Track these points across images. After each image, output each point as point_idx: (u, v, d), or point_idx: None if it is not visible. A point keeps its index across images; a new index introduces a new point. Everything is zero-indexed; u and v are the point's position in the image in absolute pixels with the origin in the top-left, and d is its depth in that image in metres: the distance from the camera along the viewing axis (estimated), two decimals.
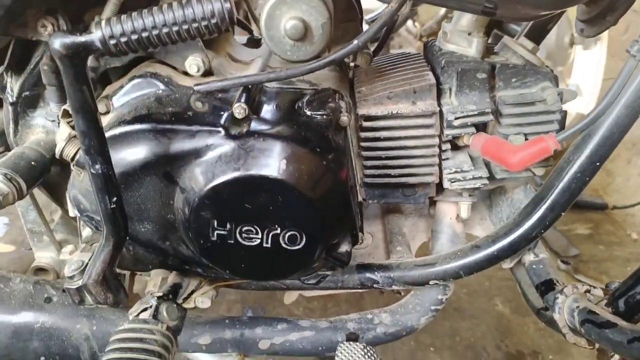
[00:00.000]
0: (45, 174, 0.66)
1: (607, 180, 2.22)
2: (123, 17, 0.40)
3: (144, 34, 0.40)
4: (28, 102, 0.66)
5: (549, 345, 1.44)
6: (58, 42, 0.39)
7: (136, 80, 0.61)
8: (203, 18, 0.40)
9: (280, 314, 1.19)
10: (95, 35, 0.40)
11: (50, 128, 0.67)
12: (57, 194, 0.76)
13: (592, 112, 0.58)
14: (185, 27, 0.41)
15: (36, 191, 0.75)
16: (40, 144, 0.66)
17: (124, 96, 0.61)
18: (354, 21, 0.73)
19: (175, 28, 0.41)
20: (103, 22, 0.40)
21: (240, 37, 0.83)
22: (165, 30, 0.40)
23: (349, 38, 0.75)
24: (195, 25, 0.41)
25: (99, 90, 0.68)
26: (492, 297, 1.62)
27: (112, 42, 0.40)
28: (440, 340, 1.43)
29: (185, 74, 0.63)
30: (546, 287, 0.67)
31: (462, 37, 0.67)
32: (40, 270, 0.77)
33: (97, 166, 0.47)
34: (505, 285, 1.63)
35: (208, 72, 0.64)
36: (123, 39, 0.40)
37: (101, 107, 0.62)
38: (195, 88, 0.59)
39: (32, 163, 0.63)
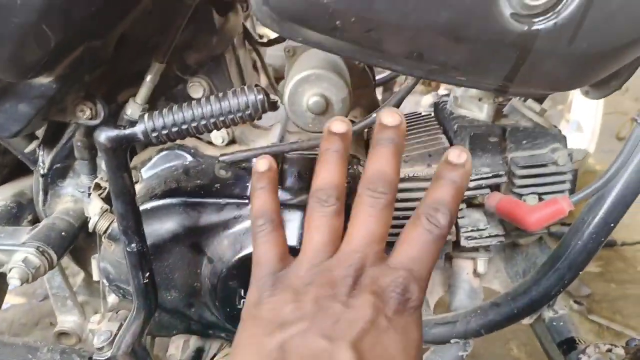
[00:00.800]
0: (74, 242, 0.67)
1: None
2: (164, 111, 0.43)
3: (184, 127, 0.43)
4: (58, 174, 0.69)
5: None
6: (103, 136, 0.42)
7: (164, 153, 0.64)
8: (238, 110, 0.43)
9: None
10: (138, 128, 0.43)
11: (79, 197, 0.69)
12: (81, 258, 0.78)
13: (605, 175, 0.60)
14: (221, 118, 0.43)
15: None
16: (69, 213, 0.68)
17: (153, 168, 0.64)
18: (368, 87, 0.76)
19: (212, 120, 0.43)
20: (146, 117, 0.43)
21: None
22: (203, 122, 0.43)
23: (363, 102, 0.79)
24: (231, 116, 0.44)
25: None
26: (507, 342, 1.60)
27: (154, 134, 0.43)
28: None
29: (210, 143, 0.67)
30: (568, 345, 0.68)
31: (472, 103, 0.70)
32: (62, 334, 0.77)
33: (133, 245, 0.49)
34: (520, 329, 1.61)
35: (231, 141, 0.67)
36: (164, 132, 0.43)
37: None
38: (221, 159, 0.62)
39: (63, 234, 0.64)
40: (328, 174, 0.40)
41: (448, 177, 0.39)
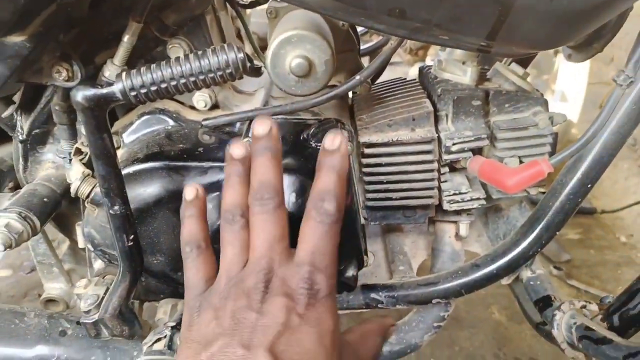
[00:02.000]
0: (57, 209, 0.67)
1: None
2: (142, 69, 0.42)
3: (163, 85, 0.42)
4: (38, 139, 0.67)
5: (546, 351, 1.47)
6: (80, 95, 0.41)
7: (145, 117, 0.63)
8: (218, 68, 0.43)
9: None
10: (116, 87, 0.42)
11: (60, 163, 0.68)
12: (66, 226, 0.78)
13: (583, 137, 0.61)
14: (201, 77, 0.43)
15: None
16: (50, 179, 0.67)
17: (134, 133, 0.63)
18: (352, 51, 0.76)
19: (192, 79, 0.43)
20: (124, 75, 0.42)
21: None
22: (182, 81, 0.43)
23: (348, 67, 0.78)
24: (211, 75, 0.43)
25: None
26: (489, 306, 1.65)
27: (133, 93, 0.42)
28: (439, 350, 1.45)
29: (193, 107, 0.66)
30: (544, 303, 0.70)
31: (456, 66, 0.70)
32: (50, 301, 0.78)
33: (116, 207, 0.49)
34: (501, 293, 1.67)
35: (214, 106, 0.67)
36: (143, 90, 0.42)
37: None
38: (204, 123, 0.61)
39: (45, 200, 0.64)
40: (232, 195, 0.45)
41: (327, 164, 0.43)
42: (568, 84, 2.36)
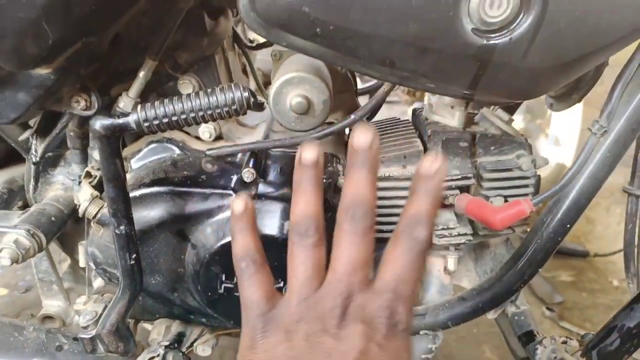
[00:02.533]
0: (63, 228, 0.70)
1: (588, 228, 2.30)
2: (156, 103, 0.47)
3: (174, 118, 0.47)
4: (50, 162, 0.72)
5: None
6: (98, 124, 0.46)
7: (153, 145, 0.68)
8: (225, 105, 0.47)
9: None
10: (131, 118, 0.46)
11: (69, 185, 0.72)
12: (68, 245, 0.81)
13: (561, 180, 0.65)
14: (209, 112, 0.47)
15: None
16: (59, 200, 0.71)
17: (142, 159, 0.67)
18: (349, 91, 0.81)
19: (200, 113, 0.47)
20: (139, 107, 0.47)
21: None
22: (192, 115, 0.47)
23: (345, 106, 0.84)
24: (217, 110, 0.48)
25: None
26: (480, 344, 1.65)
27: (146, 124, 0.46)
28: None
29: (198, 138, 0.70)
30: (527, 337, 0.72)
31: (445, 110, 0.75)
32: (47, 317, 0.80)
33: (122, 227, 0.53)
34: (492, 332, 1.67)
35: (218, 137, 0.71)
36: (155, 122, 0.47)
37: None
38: (208, 153, 0.66)
39: (52, 219, 0.67)
40: (304, 205, 0.40)
41: (424, 190, 0.39)
42: (561, 128, 2.42)
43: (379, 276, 0.39)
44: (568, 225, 0.66)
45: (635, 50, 0.58)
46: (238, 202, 0.43)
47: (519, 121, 2.13)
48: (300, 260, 0.40)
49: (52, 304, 0.80)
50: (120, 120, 0.46)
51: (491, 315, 0.79)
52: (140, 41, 0.61)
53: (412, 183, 0.40)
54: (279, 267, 0.61)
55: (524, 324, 0.75)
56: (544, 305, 1.87)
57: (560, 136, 2.47)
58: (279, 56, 0.72)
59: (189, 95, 0.47)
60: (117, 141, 0.47)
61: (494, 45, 0.45)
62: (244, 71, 0.97)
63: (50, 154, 0.71)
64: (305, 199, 0.41)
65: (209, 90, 0.48)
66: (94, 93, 0.57)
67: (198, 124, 0.49)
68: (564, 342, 0.67)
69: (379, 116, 0.95)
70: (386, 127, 0.83)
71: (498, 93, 0.52)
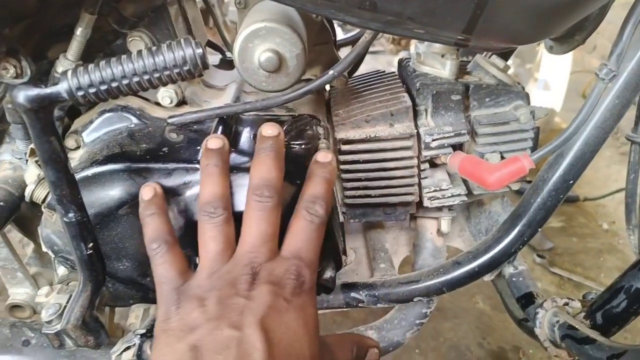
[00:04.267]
0: (15, 212, 0.63)
1: None
2: (90, 66, 0.39)
3: (114, 84, 0.39)
4: None
5: (529, 340, 1.48)
6: (22, 96, 0.38)
7: (106, 115, 0.59)
8: (175, 65, 0.39)
9: None
10: (61, 86, 0.38)
11: (18, 164, 0.64)
12: (29, 228, 0.74)
13: (564, 132, 0.59)
14: (156, 75, 0.39)
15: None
16: (8, 181, 0.63)
17: (95, 131, 0.59)
18: (328, 43, 0.72)
19: (146, 77, 0.39)
20: (69, 73, 0.38)
21: (212, 56, 0.81)
22: (135, 79, 0.39)
23: (323, 60, 0.75)
24: (167, 72, 0.40)
25: (66, 122, 0.66)
26: (472, 296, 1.66)
27: (80, 93, 0.38)
28: (424, 342, 1.45)
29: (158, 104, 0.62)
30: (526, 300, 0.69)
31: (435, 59, 0.67)
32: (15, 307, 0.74)
33: (71, 214, 0.46)
34: (485, 283, 1.67)
35: (181, 102, 0.63)
36: (91, 90, 0.39)
37: (70, 143, 0.60)
38: (169, 121, 0.58)
39: (1, 204, 0.60)
40: (212, 187, 0.45)
41: (319, 174, 0.47)
42: (551, 72, 2.35)
43: (284, 246, 0.44)
44: (571, 182, 0.61)
45: None
46: (146, 189, 0.48)
47: None
48: (211, 235, 0.44)
49: (19, 292, 0.74)
50: (48, 90, 0.38)
51: (487, 277, 0.76)
52: None
53: (309, 170, 0.49)
54: None
55: (522, 286, 0.71)
56: (535, 252, 1.87)
57: (549, 80, 2.41)
58: (244, 4, 0.63)
59: (129, 55, 0.39)
60: (48, 115, 0.39)
61: None
62: (215, 25, 0.87)
63: None
64: (213, 181, 0.45)
65: (154, 48, 0.40)
66: (24, 57, 0.49)
67: (146, 89, 0.41)
68: (566, 304, 0.64)
69: (361, 69, 0.87)
70: (370, 81, 0.75)
71: (497, 37, 0.45)
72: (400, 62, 0.77)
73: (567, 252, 1.92)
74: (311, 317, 0.42)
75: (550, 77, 2.40)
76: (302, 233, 0.44)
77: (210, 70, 0.73)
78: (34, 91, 0.38)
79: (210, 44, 0.81)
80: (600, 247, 1.92)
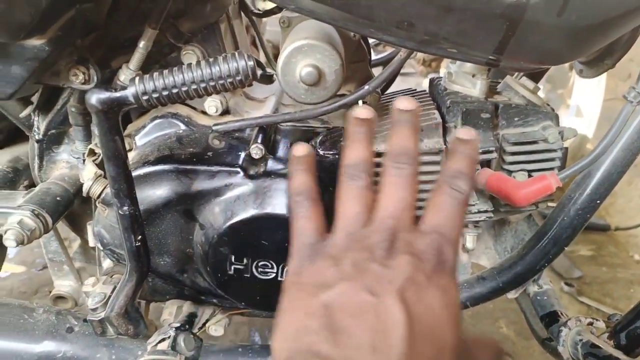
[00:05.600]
0: (69, 208, 0.68)
1: (609, 201, 2.23)
2: (155, 74, 0.44)
3: (174, 91, 0.44)
4: (54, 139, 0.69)
5: None
6: (95, 98, 0.43)
7: (158, 121, 0.64)
8: (229, 75, 0.44)
9: None
10: (129, 91, 0.43)
11: (74, 163, 0.70)
12: (77, 225, 0.79)
13: (592, 152, 0.61)
14: (212, 83, 0.44)
15: None
16: (64, 179, 0.69)
17: (146, 136, 0.64)
18: (363, 61, 0.76)
19: (203, 85, 0.44)
20: (137, 79, 0.43)
21: None
22: (193, 87, 0.44)
23: (358, 77, 0.79)
24: (221, 82, 0.44)
25: None
26: (496, 320, 1.63)
27: (145, 97, 0.43)
28: None
29: (204, 112, 0.67)
30: (550, 318, 0.69)
31: (466, 79, 0.70)
32: (59, 298, 0.79)
33: (125, 208, 0.50)
34: (509, 307, 1.64)
35: (225, 111, 0.68)
36: (155, 95, 0.43)
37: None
38: (214, 128, 0.62)
39: (58, 198, 0.65)
40: (356, 151, 0.43)
41: (462, 150, 0.43)
42: (583, 99, 2.34)
43: (425, 220, 0.40)
44: (598, 201, 0.62)
45: None
46: (300, 147, 0.46)
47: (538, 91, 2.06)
48: (349, 197, 0.41)
49: (64, 284, 0.79)
50: (118, 94, 0.43)
51: (512, 295, 0.76)
52: (139, 8, 0.58)
53: (451, 146, 0.44)
54: (288, 246, 0.59)
55: (547, 304, 0.71)
56: (563, 280, 1.83)
57: (582, 106, 2.39)
58: (288, 23, 0.68)
59: (190, 65, 0.44)
60: (115, 116, 0.44)
61: (526, 2, 0.40)
62: (253, 44, 0.93)
63: (53, 131, 0.69)
64: (359, 146, 0.43)
65: (211, 59, 0.44)
66: (93, 65, 0.54)
67: (201, 96, 0.46)
68: (590, 324, 0.64)
69: (392, 89, 0.90)
70: None
71: (527, 57, 0.48)
72: (431, 81, 0.80)
73: (596, 281, 1.87)
74: (453, 301, 0.37)
75: (582, 103, 2.38)
76: (445, 208, 0.40)
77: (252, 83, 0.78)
78: (105, 94, 0.43)
79: None
80: (630, 277, 1.86)
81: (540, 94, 0.72)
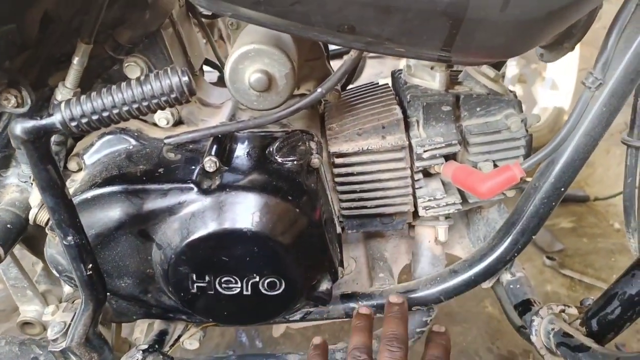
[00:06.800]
0: (23, 234, 0.66)
1: (587, 172, 2.25)
2: (82, 97, 0.41)
3: (105, 114, 0.41)
4: (1, 163, 0.66)
5: None
6: (19, 129, 0.40)
7: (106, 137, 0.62)
8: (162, 94, 0.41)
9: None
10: (55, 118, 0.40)
11: (24, 187, 0.67)
12: (37, 248, 0.76)
13: (554, 140, 0.59)
14: (145, 103, 0.41)
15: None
16: (15, 203, 0.66)
17: (95, 154, 0.61)
18: (320, 59, 0.74)
19: (135, 106, 0.41)
20: (62, 105, 0.40)
21: (210, 74, 0.83)
22: (125, 108, 0.41)
23: (316, 74, 0.77)
24: (155, 101, 0.41)
25: (70, 144, 0.68)
26: (481, 300, 1.64)
27: (73, 123, 0.40)
28: None
29: (155, 125, 0.64)
30: (523, 307, 0.69)
31: (425, 71, 0.68)
32: (26, 324, 0.77)
33: (70, 238, 0.48)
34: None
35: (178, 122, 0.65)
36: (84, 120, 0.40)
37: (73, 166, 0.62)
38: (166, 141, 0.60)
39: (8, 226, 0.62)
40: (360, 338, 0.58)
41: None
42: (558, 71, 2.33)
43: None
44: (562, 189, 0.61)
45: None
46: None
47: (513, 67, 2.05)
48: None
49: (29, 310, 0.76)
50: (44, 122, 0.40)
51: (486, 285, 0.76)
52: (72, 22, 0.54)
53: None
54: (250, 260, 0.57)
55: (519, 293, 0.71)
56: (544, 254, 1.85)
57: (557, 79, 2.38)
58: (237, 25, 0.65)
59: (119, 85, 0.41)
60: (45, 144, 0.41)
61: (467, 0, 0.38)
62: (222, 39, 0.89)
63: None
64: (362, 334, 0.59)
65: (141, 77, 0.41)
66: (25, 87, 0.51)
67: (136, 117, 0.43)
68: (562, 311, 0.64)
69: (368, 72, 0.88)
70: (363, 94, 0.76)
71: (477, 53, 0.46)
72: (393, 74, 0.78)
73: (578, 253, 1.89)
74: None
75: (557, 75, 2.38)
76: None
77: (208, 88, 0.75)
78: (30, 123, 0.40)
79: (207, 62, 0.83)
80: (611, 247, 1.89)
81: (514, 69, 0.70)
